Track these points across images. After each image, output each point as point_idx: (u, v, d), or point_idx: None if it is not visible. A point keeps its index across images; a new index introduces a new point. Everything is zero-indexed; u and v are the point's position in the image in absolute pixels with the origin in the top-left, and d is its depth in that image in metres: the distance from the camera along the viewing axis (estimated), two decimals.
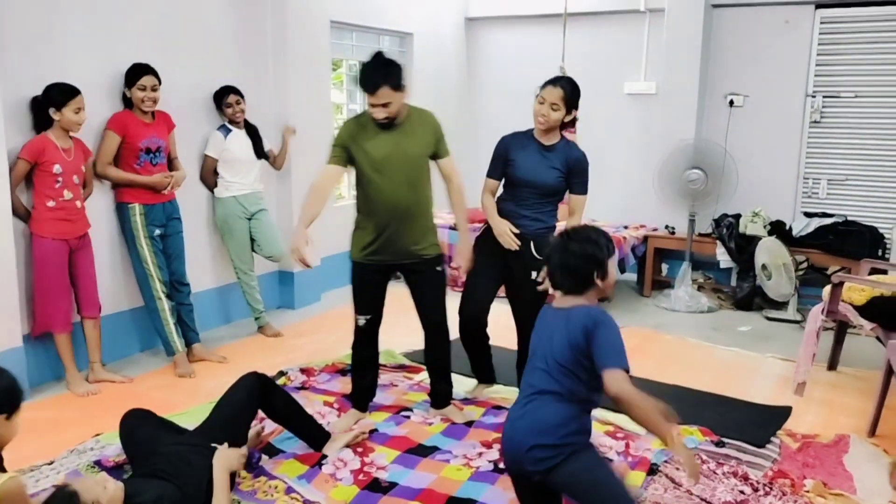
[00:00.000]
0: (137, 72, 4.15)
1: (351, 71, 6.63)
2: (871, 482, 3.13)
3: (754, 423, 3.70)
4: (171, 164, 4.45)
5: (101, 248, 4.27)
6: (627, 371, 2.17)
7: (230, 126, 4.85)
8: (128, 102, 4.23)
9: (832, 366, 4.51)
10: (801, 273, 5.69)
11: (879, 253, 5.45)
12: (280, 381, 4.03)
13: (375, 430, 3.50)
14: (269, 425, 3.41)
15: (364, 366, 3.65)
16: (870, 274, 4.47)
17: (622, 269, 5.95)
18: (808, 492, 3.00)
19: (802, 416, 3.83)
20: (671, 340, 5.11)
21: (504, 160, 3.56)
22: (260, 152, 4.98)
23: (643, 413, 2.14)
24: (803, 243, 5.68)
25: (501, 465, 3.18)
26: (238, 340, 4.93)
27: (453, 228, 6.24)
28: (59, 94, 3.79)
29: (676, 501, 2.90)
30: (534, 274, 3.42)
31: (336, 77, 6.63)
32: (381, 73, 3.19)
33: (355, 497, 2.95)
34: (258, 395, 3.06)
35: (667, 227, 6.33)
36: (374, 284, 3.50)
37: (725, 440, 3.47)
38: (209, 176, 4.90)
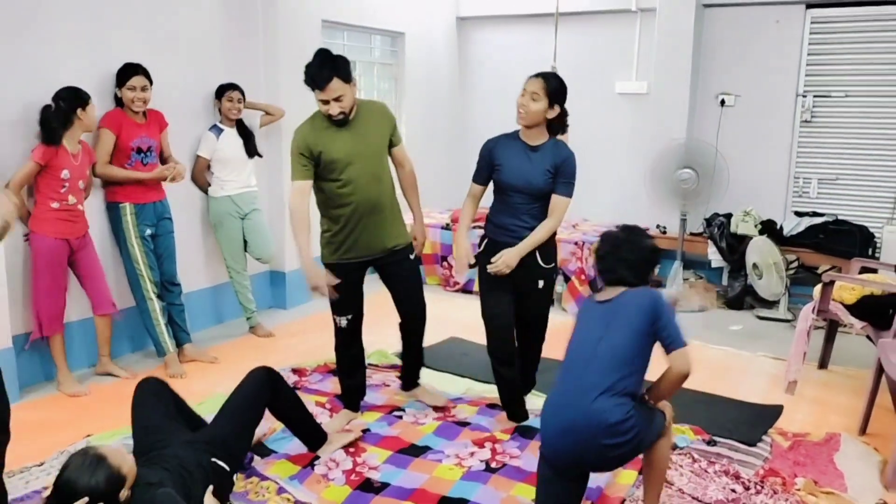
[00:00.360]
0: (128, 72, 4.13)
1: None
2: (861, 480, 3.14)
3: (745, 421, 3.71)
4: (165, 164, 4.42)
5: None
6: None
7: (222, 126, 4.84)
8: (119, 102, 4.22)
9: (823, 364, 4.53)
10: (791, 272, 5.71)
11: (870, 252, 5.47)
12: None
13: (367, 430, 3.50)
14: (261, 426, 3.39)
15: (351, 366, 3.63)
16: (860, 273, 4.49)
17: None
18: (799, 490, 3.02)
19: (793, 414, 3.84)
20: None
21: (490, 164, 3.38)
22: (252, 151, 4.97)
23: (672, 390, 2.43)
24: (794, 242, 5.69)
25: (493, 465, 3.18)
26: (229, 341, 4.91)
27: (446, 228, 6.25)
28: (80, 95, 3.84)
29: (668, 500, 2.91)
30: (541, 283, 3.37)
31: None
32: (329, 67, 3.16)
33: (347, 497, 2.94)
34: (268, 389, 3.02)
35: (658, 226, 6.33)
36: (353, 283, 3.47)
37: (717, 439, 3.48)
38: (201, 176, 4.88)
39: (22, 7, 3.87)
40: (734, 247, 5.83)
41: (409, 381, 3.85)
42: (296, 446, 3.28)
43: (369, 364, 4.05)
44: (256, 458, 3.22)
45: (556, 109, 3.26)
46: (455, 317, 5.31)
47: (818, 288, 4.21)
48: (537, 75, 3.29)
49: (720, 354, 4.79)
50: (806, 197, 6.11)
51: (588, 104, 6.33)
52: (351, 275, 3.44)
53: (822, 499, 2.97)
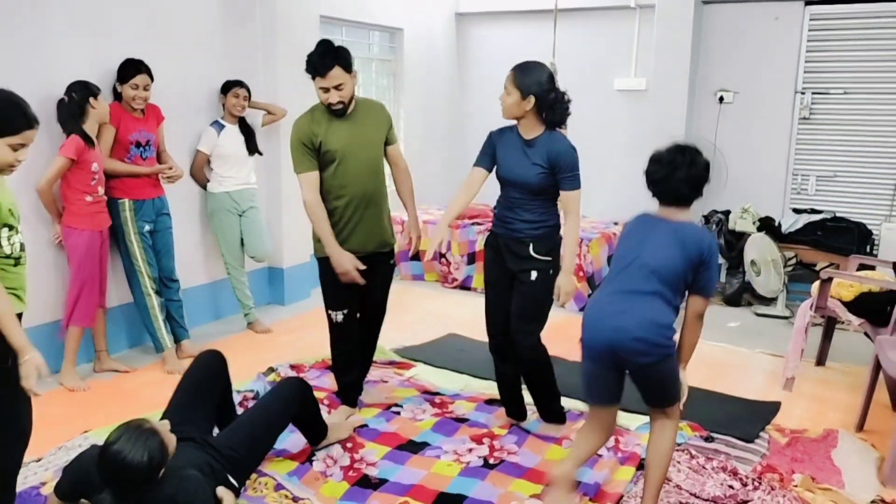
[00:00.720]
0: (130, 69, 4.12)
1: None
2: (859, 476, 3.14)
3: (743, 418, 3.71)
4: (160, 158, 4.43)
5: None
6: None
7: (223, 122, 4.84)
8: (118, 96, 4.21)
9: (820, 361, 4.54)
10: (789, 269, 5.72)
11: (868, 249, 5.48)
12: (269, 378, 4.02)
13: (365, 425, 3.50)
14: None
15: (348, 362, 3.62)
16: (858, 270, 4.50)
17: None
18: (796, 486, 3.02)
19: (791, 411, 3.85)
20: None
21: (492, 156, 3.30)
22: (252, 148, 4.97)
23: (696, 339, 2.61)
24: (792, 239, 5.69)
25: (491, 461, 3.19)
26: (228, 337, 4.91)
27: None
28: (90, 87, 3.87)
29: (666, 496, 2.91)
30: (533, 274, 3.23)
31: None
32: (330, 56, 3.19)
33: (345, 493, 2.95)
34: (297, 404, 3.00)
35: None
36: None
37: (715, 435, 3.49)
38: (199, 172, 4.87)
39: (22, 2, 3.86)
40: (732, 244, 5.83)
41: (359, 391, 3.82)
42: (294, 443, 3.27)
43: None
44: None
45: (531, 100, 3.15)
46: (453, 313, 5.31)
47: (816, 285, 4.21)
48: (512, 69, 3.27)
49: (718, 351, 4.79)
50: (804, 194, 6.12)
51: (587, 101, 6.31)
52: None
53: (820, 495, 2.97)
